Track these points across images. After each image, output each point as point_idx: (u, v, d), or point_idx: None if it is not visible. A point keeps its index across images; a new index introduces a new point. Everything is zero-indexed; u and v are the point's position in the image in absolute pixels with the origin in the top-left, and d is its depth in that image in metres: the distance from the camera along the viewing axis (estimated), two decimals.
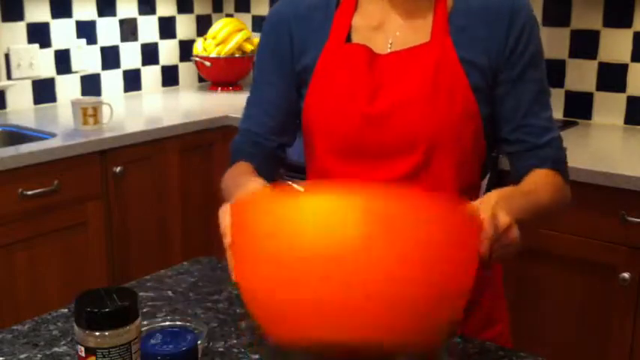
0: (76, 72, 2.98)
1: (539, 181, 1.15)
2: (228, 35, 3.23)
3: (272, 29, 1.26)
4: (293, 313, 0.77)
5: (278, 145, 1.28)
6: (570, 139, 2.36)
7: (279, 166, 1.32)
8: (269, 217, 0.79)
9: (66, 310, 1.18)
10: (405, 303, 0.75)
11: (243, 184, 1.07)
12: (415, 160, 1.16)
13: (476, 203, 0.94)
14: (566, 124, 2.57)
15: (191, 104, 3.10)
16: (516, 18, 1.15)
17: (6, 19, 2.72)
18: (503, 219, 0.92)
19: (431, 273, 0.76)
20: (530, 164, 1.18)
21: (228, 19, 3.30)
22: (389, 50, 1.18)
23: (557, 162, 1.19)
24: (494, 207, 0.93)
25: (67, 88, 2.95)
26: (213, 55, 3.22)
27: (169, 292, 1.26)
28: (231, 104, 2.96)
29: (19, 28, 2.76)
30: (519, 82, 1.17)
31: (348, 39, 1.20)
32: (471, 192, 1.20)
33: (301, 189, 0.87)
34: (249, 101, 1.30)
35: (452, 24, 1.16)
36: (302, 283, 0.75)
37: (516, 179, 1.17)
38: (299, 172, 2.52)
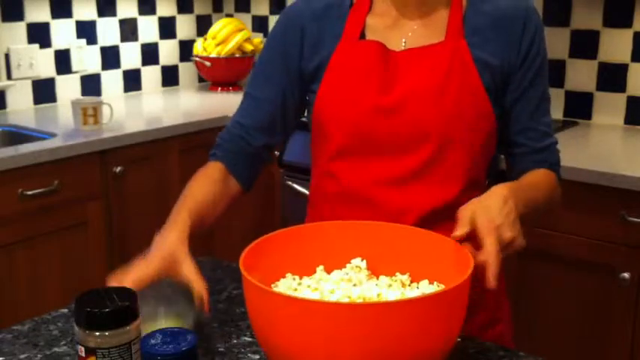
0: (76, 72, 2.98)
1: (537, 179, 1.21)
2: (228, 35, 3.23)
3: (285, 26, 1.25)
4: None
5: (263, 145, 1.28)
6: (570, 139, 2.36)
7: (260, 167, 1.31)
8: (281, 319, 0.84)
9: (66, 310, 1.18)
10: None
11: (174, 221, 1.18)
12: (426, 155, 1.16)
13: (481, 208, 1.00)
14: (566, 124, 2.57)
15: (191, 104, 3.10)
16: (529, 23, 1.18)
17: (6, 19, 2.72)
18: (507, 235, 0.99)
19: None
20: (529, 166, 1.24)
21: (228, 19, 3.30)
22: (403, 48, 1.19)
23: (554, 165, 1.26)
24: (501, 224, 0.99)
25: (67, 88, 2.95)
26: (213, 55, 3.22)
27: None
28: (231, 104, 2.93)
29: (19, 28, 2.76)
30: (530, 87, 1.20)
31: (362, 37, 1.20)
32: (476, 188, 1.21)
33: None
34: (246, 94, 1.30)
35: (466, 25, 1.17)
36: None
37: (514, 178, 1.21)
38: (299, 173, 2.53)
